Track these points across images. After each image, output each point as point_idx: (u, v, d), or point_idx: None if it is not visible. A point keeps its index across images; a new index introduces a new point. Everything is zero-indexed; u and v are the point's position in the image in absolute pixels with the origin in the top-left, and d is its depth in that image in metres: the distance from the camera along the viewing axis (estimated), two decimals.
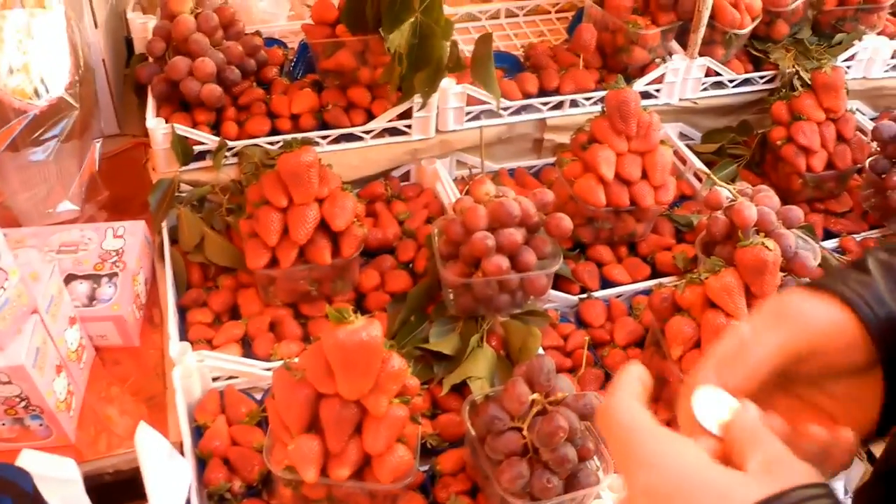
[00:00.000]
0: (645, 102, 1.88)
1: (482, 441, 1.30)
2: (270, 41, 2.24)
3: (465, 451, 1.43)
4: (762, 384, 0.74)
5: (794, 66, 2.21)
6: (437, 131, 2.03)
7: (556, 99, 2.11)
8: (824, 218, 2.10)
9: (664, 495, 0.64)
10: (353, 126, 1.96)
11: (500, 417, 1.27)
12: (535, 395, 1.28)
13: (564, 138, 2.07)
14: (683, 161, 2.15)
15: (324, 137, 1.94)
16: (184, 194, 1.83)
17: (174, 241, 1.77)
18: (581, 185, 1.78)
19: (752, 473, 0.64)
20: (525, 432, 1.27)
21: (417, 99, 1.91)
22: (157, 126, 1.81)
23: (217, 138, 1.86)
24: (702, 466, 0.65)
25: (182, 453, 1.37)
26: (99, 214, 1.85)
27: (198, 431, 1.46)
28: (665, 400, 1.57)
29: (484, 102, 2.02)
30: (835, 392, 0.80)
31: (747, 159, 2.18)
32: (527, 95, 2.10)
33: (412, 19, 1.69)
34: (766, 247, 1.45)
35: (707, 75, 2.25)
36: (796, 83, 2.12)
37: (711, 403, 0.71)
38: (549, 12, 2.69)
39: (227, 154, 1.87)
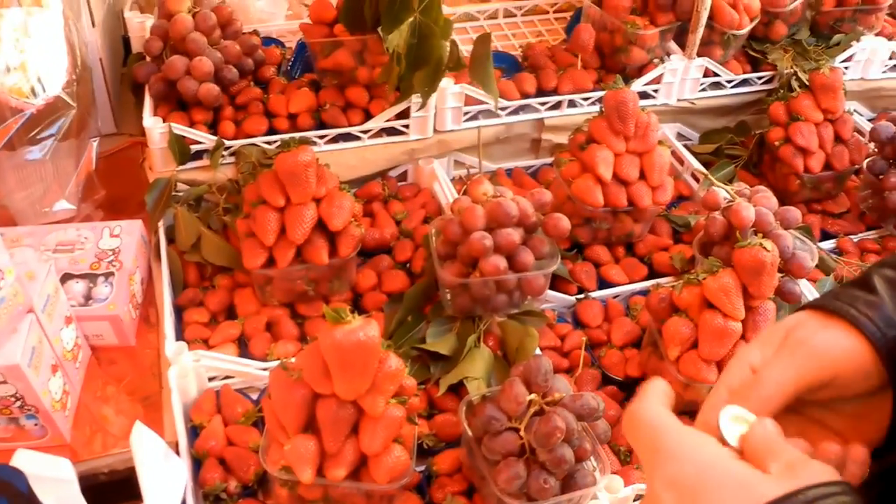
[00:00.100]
0: (643, 103, 1.88)
1: (479, 441, 1.30)
2: (268, 40, 2.24)
3: (462, 452, 1.42)
4: (774, 413, 0.75)
5: (792, 67, 2.21)
6: (435, 131, 2.03)
7: (554, 99, 2.11)
8: (822, 219, 2.10)
9: (689, 487, 0.66)
10: (350, 126, 1.96)
11: (496, 418, 1.27)
12: (532, 396, 1.27)
13: (562, 138, 2.07)
14: (681, 161, 2.15)
15: (321, 137, 1.94)
16: (181, 194, 1.83)
17: (171, 240, 1.77)
18: (579, 186, 1.78)
19: (775, 473, 0.65)
20: (522, 433, 1.27)
21: (416, 99, 1.91)
22: (154, 125, 1.81)
23: (214, 138, 1.85)
24: (726, 461, 0.67)
25: (178, 453, 1.36)
26: (95, 213, 1.85)
27: (194, 431, 1.46)
28: None
29: (482, 102, 2.02)
30: (844, 410, 0.80)
31: (745, 160, 2.18)
32: (525, 95, 2.10)
33: (411, 19, 1.69)
34: (764, 247, 1.45)
35: (705, 76, 2.25)
36: (794, 84, 2.12)
37: (732, 420, 0.73)
38: (548, 12, 2.69)
39: (225, 153, 1.86)
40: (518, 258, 1.55)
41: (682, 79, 2.21)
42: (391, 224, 1.88)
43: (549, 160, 2.16)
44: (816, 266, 1.67)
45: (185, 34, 1.84)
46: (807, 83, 2.06)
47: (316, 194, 1.58)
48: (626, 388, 1.64)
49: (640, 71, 2.19)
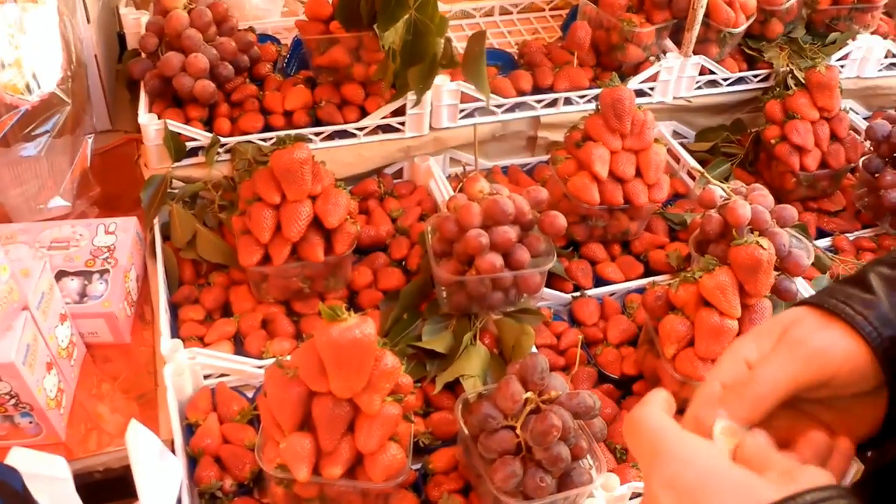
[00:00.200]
0: (639, 100, 1.88)
1: (475, 439, 1.30)
2: (264, 37, 2.23)
3: (458, 450, 1.42)
4: (769, 411, 0.75)
5: (788, 65, 2.21)
6: (431, 128, 2.03)
7: (550, 96, 2.11)
8: (818, 217, 2.11)
9: (688, 489, 0.66)
10: (346, 123, 1.95)
11: (493, 416, 1.27)
12: (529, 394, 1.27)
13: (558, 136, 2.07)
14: (677, 159, 2.15)
15: (317, 134, 1.93)
16: (176, 191, 1.82)
17: (166, 237, 1.76)
18: (575, 183, 1.78)
19: (771, 479, 0.66)
20: (518, 431, 1.26)
21: (411, 96, 1.90)
22: (149, 122, 1.80)
23: (210, 134, 1.85)
24: (725, 465, 0.67)
25: (173, 451, 1.36)
26: (90, 210, 1.84)
27: (189, 429, 1.45)
28: None
29: (478, 100, 2.01)
30: (836, 406, 0.81)
31: (741, 158, 2.19)
32: (521, 93, 2.10)
33: (406, 16, 1.69)
34: (760, 245, 1.45)
35: (701, 74, 2.25)
36: (790, 82, 2.12)
37: (723, 433, 0.74)
38: (544, 10, 2.69)
39: (220, 150, 1.86)
40: (514, 256, 1.55)
41: (678, 77, 2.21)
42: (387, 221, 1.88)
43: (546, 158, 2.16)
44: (812, 264, 1.67)
45: (180, 31, 1.83)
46: (803, 81, 2.06)
47: (312, 191, 1.58)
48: (623, 386, 1.64)
49: (637, 69, 2.19)
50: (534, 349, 1.57)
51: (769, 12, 2.28)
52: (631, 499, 1.36)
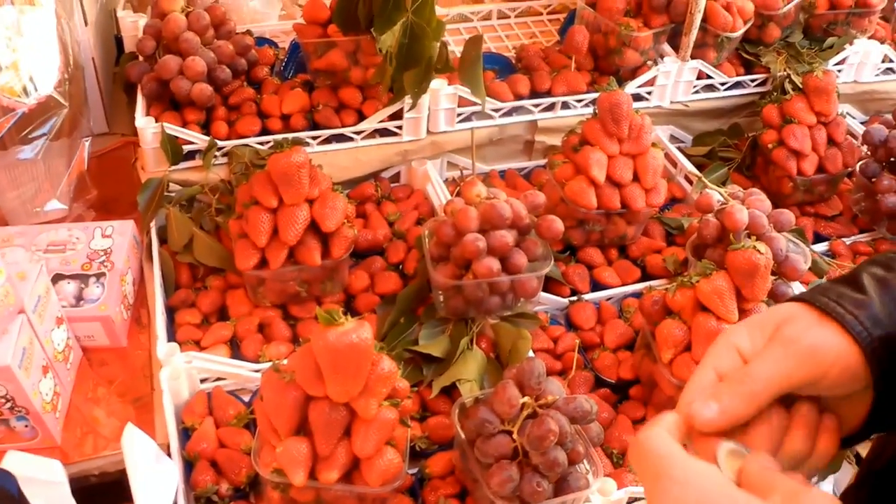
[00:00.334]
0: (636, 105, 1.88)
1: (472, 444, 1.30)
2: (261, 40, 2.23)
3: (455, 454, 1.42)
4: (760, 408, 0.76)
5: (785, 70, 2.22)
6: (428, 132, 2.03)
7: (547, 101, 2.11)
8: (815, 221, 2.11)
9: None
10: (343, 126, 1.95)
11: (489, 420, 1.27)
12: (526, 399, 1.27)
13: (556, 140, 2.07)
14: (674, 164, 2.15)
15: (314, 138, 1.93)
16: (173, 194, 1.82)
17: (163, 241, 1.76)
18: (572, 188, 1.78)
19: (775, 502, 0.66)
20: (515, 435, 1.26)
21: (408, 100, 1.90)
22: (146, 125, 1.80)
23: (207, 138, 1.85)
24: (728, 489, 0.68)
25: (169, 455, 1.36)
26: (87, 213, 1.84)
27: (185, 433, 1.45)
28: (654, 404, 1.57)
29: (475, 104, 2.01)
30: (825, 398, 0.81)
31: (738, 162, 2.19)
32: (518, 97, 2.10)
33: (403, 19, 1.69)
34: (758, 250, 1.45)
35: (698, 78, 2.25)
36: (787, 87, 2.12)
37: (728, 455, 0.75)
38: (541, 14, 2.69)
39: (217, 154, 1.86)
40: (511, 260, 1.55)
41: (675, 81, 2.21)
42: (384, 225, 1.87)
43: (543, 162, 2.16)
44: (809, 269, 1.67)
45: (178, 34, 1.83)
46: (800, 86, 2.06)
47: (309, 195, 1.58)
48: (619, 391, 1.64)
49: (634, 73, 2.19)
50: (531, 353, 1.56)
51: (766, 17, 2.28)
52: (628, 503, 1.36)
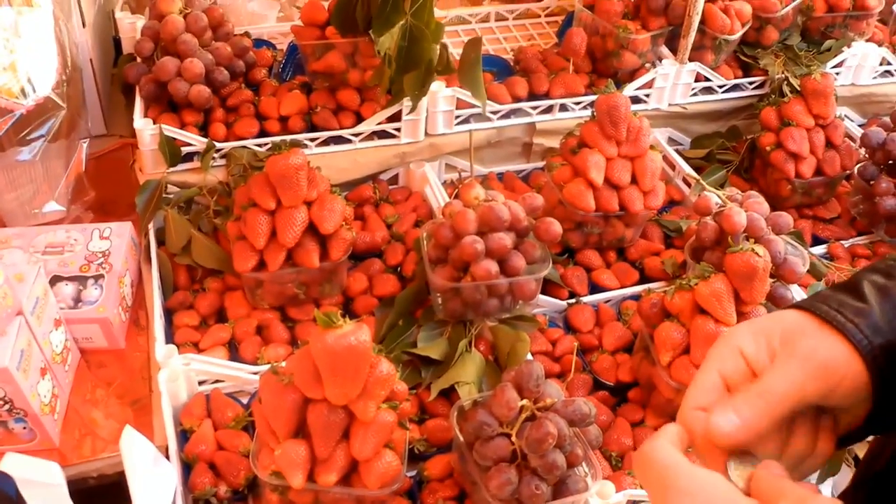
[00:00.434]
0: (634, 107, 1.88)
1: (470, 447, 1.30)
2: (259, 42, 2.23)
3: (453, 457, 1.42)
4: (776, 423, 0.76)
5: (783, 72, 2.22)
6: (427, 134, 2.03)
7: (545, 103, 2.11)
8: (813, 224, 2.11)
9: None
10: (342, 128, 1.95)
11: (488, 423, 1.27)
12: (524, 401, 1.27)
13: (554, 142, 2.07)
14: (673, 166, 2.15)
15: (312, 140, 1.93)
16: (171, 196, 1.82)
17: (161, 242, 1.76)
18: (570, 190, 1.78)
19: None
20: (514, 438, 1.26)
21: (407, 102, 1.90)
22: (144, 127, 1.80)
23: (205, 140, 1.85)
24: (735, 498, 0.68)
25: (167, 457, 1.36)
26: (85, 215, 1.84)
27: (183, 435, 1.45)
28: (653, 406, 1.57)
29: (473, 106, 2.01)
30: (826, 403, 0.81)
31: (736, 165, 2.19)
32: (516, 99, 2.10)
33: (402, 22, 1.69)
34: (756, 253, 1.45)
35: (696, 80, 2.25)
36: (786, 89, 2.13)
37: (737, 462, 0.75)
38: (539, 16, 2.69)
39: (215, 156, 1.86)
40: (509, 262, 1.55)
41: (673, 83, 2.21)
42: (382, 228, 1.87)
43: (541, 164, 2.16)
44: (808, 271, 1.67)
45: (176, 35, 1.83)
46: (798, 88, 2.06)
47: (307, 197, 1.58)
48: (618, 394, 1.64)
49: (632, 75, 2.19)
50: (529, 356, 1.56)
51: (764, 19, 2.28)
52: None
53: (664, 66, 2.17)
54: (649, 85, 2.19)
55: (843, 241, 2.05)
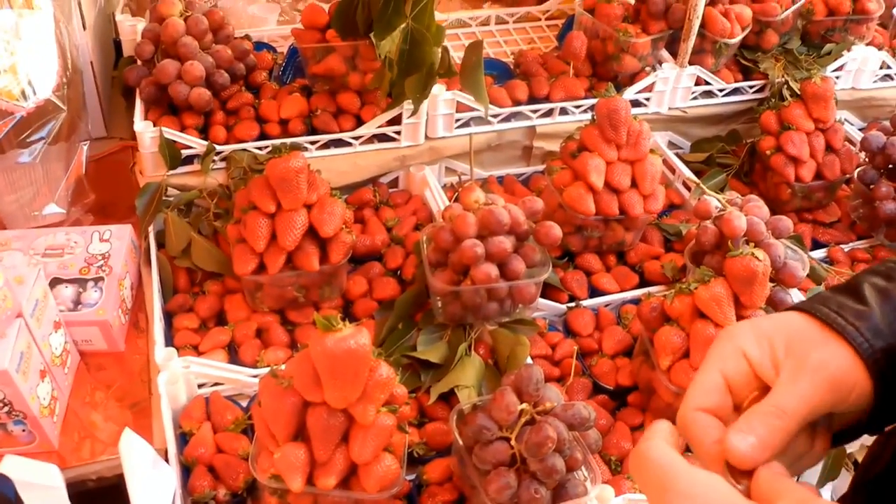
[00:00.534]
0: (634, 111, 1.88)
1: (469, 450, 1.30)
2: (260, 45, 2.23)
3: (453, 461, 1.42)
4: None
5: (783, 76, 2.22)
6: (427, 138, 2.03)
7: (545, 106, 2.11)
8: (813, 228, 2.11)
9: None
10: (342, 132, 1.95)
11: (487, 427, 1.27)
12: (524, 405, 1.27)
13: (554, 146, 2.07)
14: (672, 170, 2.15)
15: (312, 143, 1.93)
16: (171, 198, 1.82)
17: (161, 245, 1.76)
18: (570, 194, 1.78)
19: None
20: (513, 442, 1.26)
21: (407, 105, 1.90)
22: (144, 129, 1.80)
23: (205, 142, 1.85)
24: (736, 499, 0.68)
25: (167, 460, 1.36)
26: (85, 218, 1.84)
27: (183, 438, 1.45)
28: (653, 410, 1.57)
29: (473, 109, 2.02)
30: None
31: (736, 169, 2.19)
32: (516, 103, 2.10)
33: (403, 25, 1.69)
34: (756, 257, 1.45)
35: (697, 84, 2.25)
36: (786, 93, 2.13)
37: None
38: (540, 19, 2.69)
39: (216, 158, 1.86)
40: (509, 266, 1.55)
41: (673, 87, 2.21)
42: (382, 231, 1.87)
43: (541, 168, 2.16)
44: (807, 275, 1.67)
45: (176, 38, 1.83)
46: (798, 92, 2.07)
47: (307, 200, 1.58)
48: (618, 398, 1.64)
49: (632, 79, 2.19)
50: (529, 360, 1.56)
51: (764, 23, 2.28)
52: None
53: (664, 70, 2.17)
54: (649, 88, 2.19)
55: (842, 245, 2.05)
